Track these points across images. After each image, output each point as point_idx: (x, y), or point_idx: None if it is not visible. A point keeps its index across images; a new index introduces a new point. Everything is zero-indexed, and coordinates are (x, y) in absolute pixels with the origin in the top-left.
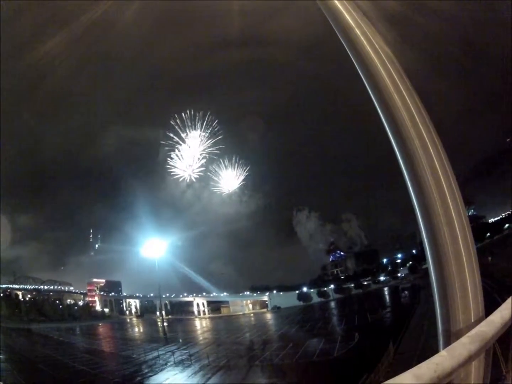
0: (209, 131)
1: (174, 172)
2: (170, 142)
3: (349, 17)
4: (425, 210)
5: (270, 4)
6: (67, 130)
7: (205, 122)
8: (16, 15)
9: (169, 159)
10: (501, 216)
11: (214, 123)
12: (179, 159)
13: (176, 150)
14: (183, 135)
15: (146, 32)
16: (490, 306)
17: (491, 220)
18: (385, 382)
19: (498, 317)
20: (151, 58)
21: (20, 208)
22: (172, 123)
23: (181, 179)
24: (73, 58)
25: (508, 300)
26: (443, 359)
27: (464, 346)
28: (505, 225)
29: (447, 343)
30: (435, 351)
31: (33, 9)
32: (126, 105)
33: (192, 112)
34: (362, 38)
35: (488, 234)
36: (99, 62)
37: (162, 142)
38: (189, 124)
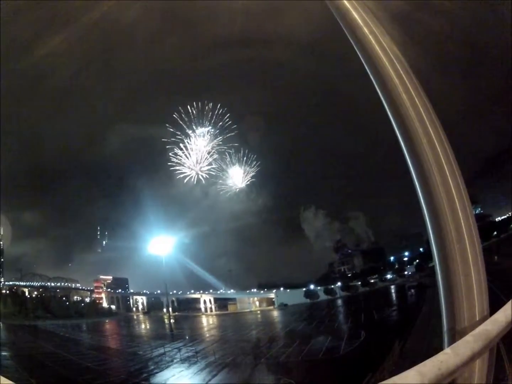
0: (216, 128)
1: (180, 170)
2: (175, 139)
3: (358, 16)
4: (432, 209)
5: (275, 3)
6: (73, 127)
7: (212, 119)
8: (16, 15)
9: (172, 155)
10: (508, 215)
11: (220, 121)
12: (187, 157)
13: (183, 148)
14: (189, 131)
15: (147, 32)
16: (496, 305)
17: (498, 218)
18: (390, 379)
19: (502, 316)
20: (153, 57)
21: (26, 205)
22: (178, 120)
23: (187, 178)
24: (74, 56)
25: None
26: (448, 357)
27: (468, 344)
28: None
29: (452, 341)
30: (441, 349)
31: (33, 9)
32: (132, 103)
33: (200, 108)
34: (370, 37)
35: (495, 233)
36: (101, 61)
37: (167, 139)
38: (196, 121)
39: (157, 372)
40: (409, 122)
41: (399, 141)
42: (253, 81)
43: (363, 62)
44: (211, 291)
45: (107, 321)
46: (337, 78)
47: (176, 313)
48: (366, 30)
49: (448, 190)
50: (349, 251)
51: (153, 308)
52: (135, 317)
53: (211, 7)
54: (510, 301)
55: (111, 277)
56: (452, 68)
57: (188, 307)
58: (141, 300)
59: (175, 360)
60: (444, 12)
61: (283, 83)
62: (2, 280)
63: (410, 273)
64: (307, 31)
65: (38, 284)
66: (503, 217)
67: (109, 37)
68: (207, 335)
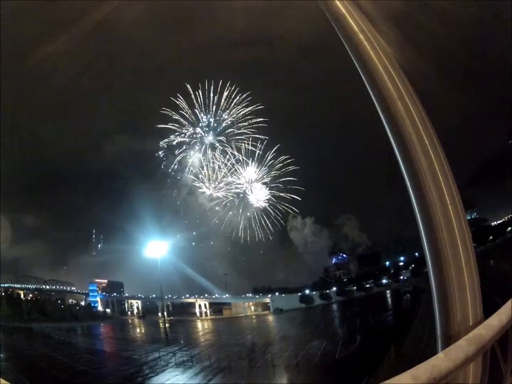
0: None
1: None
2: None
3: (351, 19)
4: (425, 215)
5: (274, 4)
6: (72, 132)
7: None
8: (16, 15)
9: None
10: (503, 219)
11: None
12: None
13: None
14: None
15: (148, 33)
16: (492, 309)
17: (494, 223)
18: (383, 382)
19: (496, 320)
20: (153, 59)
21: (23, 207)
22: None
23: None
24: (75, 58)
25: (507, 304)
26: (440, 361)
27: (461, 348)
28: (507, 228)
29: (446, 345)
30: (436, 353)
31: (34, 10)
32: (131, 107)
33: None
34: (365, 42)
35: (491, 237)
36: (102, 63)
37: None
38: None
39: (152, 377)
40: (403, 128)
41: (393, 147)
42: (248, 83)
43: (358, 69)
44: (206, 295)
45: (102, 324)
46: (336, 82)
47: (171, 318)
48: (361, 36)
49: (441, 195)
50: (345, 255)
51: (148, 312)
52: (130, 321)
53: (211, 8)
54: (504, 306)
55: (106, 281)
56: (447, 70)
57: (183, 312)
58: (136, 304)
59: (170, 365)
60: (441, 12)
61: (278, 86)
62: None
63: (405, 277)
64: (309, 31)
65: (33, 287)
66: (499, 221)
67: (112, 38)
68: (202, 339)
